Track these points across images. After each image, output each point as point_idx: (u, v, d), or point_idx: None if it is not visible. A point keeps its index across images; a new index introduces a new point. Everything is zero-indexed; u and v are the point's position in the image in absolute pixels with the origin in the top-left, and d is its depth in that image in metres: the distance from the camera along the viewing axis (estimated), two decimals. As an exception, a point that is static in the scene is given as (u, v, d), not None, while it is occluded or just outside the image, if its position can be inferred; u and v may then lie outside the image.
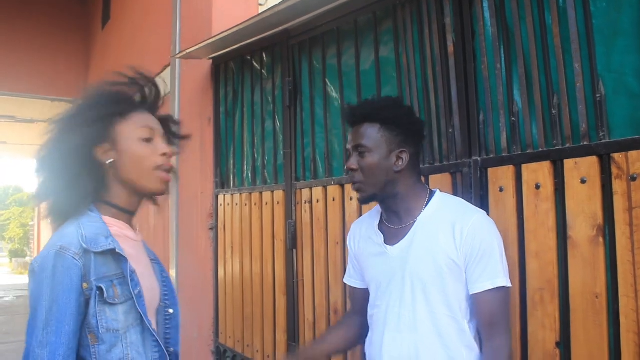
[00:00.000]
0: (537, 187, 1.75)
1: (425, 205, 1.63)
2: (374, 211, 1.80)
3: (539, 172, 1.75)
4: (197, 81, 4.24)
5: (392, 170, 1.60)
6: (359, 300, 1.83)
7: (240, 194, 3.57)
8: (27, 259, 20.18)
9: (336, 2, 2.61)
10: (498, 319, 1.52)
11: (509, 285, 1.54)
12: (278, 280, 3.17)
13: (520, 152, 1.84)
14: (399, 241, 1.64)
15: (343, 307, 2.66)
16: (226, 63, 3.82)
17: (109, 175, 1.42)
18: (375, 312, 1.70)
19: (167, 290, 1.55)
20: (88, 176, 1.38)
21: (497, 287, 1.51)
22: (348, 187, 2.64)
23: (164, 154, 1.43)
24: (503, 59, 1.92)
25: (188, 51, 3.73)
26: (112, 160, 1.40)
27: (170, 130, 1.55)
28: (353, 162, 1.63)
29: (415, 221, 1.62)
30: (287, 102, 3.10)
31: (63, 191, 1.37)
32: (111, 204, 1.43)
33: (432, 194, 1.66)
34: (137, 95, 1.49)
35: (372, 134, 1.60)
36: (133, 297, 1.36)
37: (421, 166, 1.85)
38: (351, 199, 2.61)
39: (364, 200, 1.67)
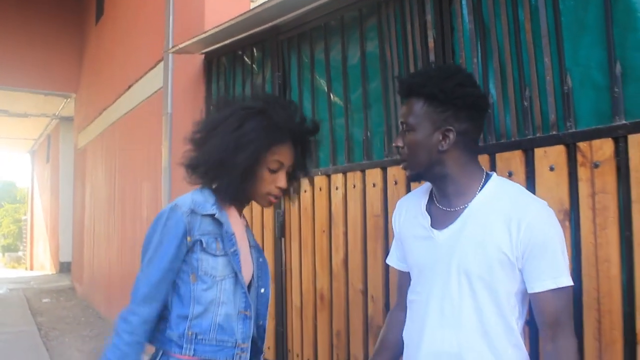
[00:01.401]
0: (510, 174, 1.85)
1: (480, 190, 1.46)
2: (422, 189, 1.64)
3: (511, 161, 1.86)
4: (189, 76, 4.32)
5: (437, 150, 1.45)
6: (405, 287, 1.67)
7: (231, 185, 3.65)
8: (20, 253, 20.15)
9: (323, 0, 2.71)
10: (563, 318, 1.37)
11: (572, 283, 1.37)
12: (267, 268, 3.26)
13: (494, 142, 1.94)
14: (447, 226, 1.48)
15: (329, 293, 2.76)
16: (218, 58, 3.91)
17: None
18: (415, 299, 1.57)
19: (261, 274, 1.80)
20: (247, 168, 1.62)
21: (560, 287, 1.35)
22: (334, 177, 2.74)
23: (279, 187, 1.67)
24: (479, 53, 2.03)
25: (181, 46, 3.81)
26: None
27: (301, 165, 1.77)
28: (399, 139, 1.51)
29: (466, 206, 1.46)
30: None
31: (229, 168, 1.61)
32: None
33: (488, 177, 1.49)
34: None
35: (417, 110, 1.46)
36: (229, 254, 1.64)
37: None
38: (337, 188, 2.71)
39: (411, 178, 1.57)
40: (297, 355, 3.02)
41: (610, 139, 1.58)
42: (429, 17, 2.21)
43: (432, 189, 1.57)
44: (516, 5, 1.89)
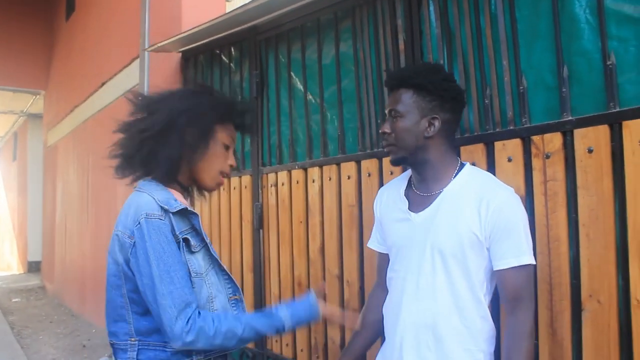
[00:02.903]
0: (473, 165, 2.04)
1: (454, 176, 1.63)
2: (402, 177, 1.81)
3: (474, 153, 2.05)
4: (166, 73, 4.42)
5: (423, 136, 1.61)
6: (385, 267, 1.82)
7: (210, 179, 3.78)
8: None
9: (301, 2, 2.87)
10: (522, 294, 1.52)
11: (534, 262, 1.55)
12: (246, 258, 3.42)
13: (459, 136, 2.14)
14: (423, 209, 1.64)
15: (306, 280, 2.93)
16: (195, 56, 4.02)
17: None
18: (393, 276, 1.72)
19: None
20: (183, 149, 1.60)
21: (521, 265, 1.52)
22: (311, 171, 2.91)
23: (231, 165, 1.71)
24: (445, 55, 2.22)
25: (160, 44, 3.91)
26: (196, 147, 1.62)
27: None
28: (386, 126, 1.65)
29: (441, 191, 1.62)
30: (254, 94, 3.34)
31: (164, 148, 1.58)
32: (177, 180, 1.67)
33: (462, 166, 1.66)
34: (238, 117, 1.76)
35: (406, 99, 1.61)
36: (206, 245, 1.61)
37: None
38: (313, 181, 2.88)
39: (394, 162, 1.70)
40: (276, 341, 3.18)
41: (559, 132, 1.79)
42: (399, 22, 2.40)
43: (410, 176, 1.74)
44: (478, 13, 2.09)
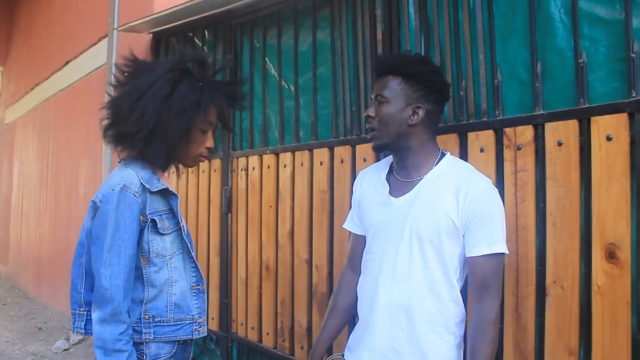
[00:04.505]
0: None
1: (435, 165, 1.67)
2: (383, 162, 1.85)
3: (447, 143, 2.11)
4: (136, 54, 4.34)
5: (406, 124, 1.64)
6: (358, 250, 1.85)
7: (178, 162, 3.76)
8: None
9: (279, -12, 2.88)
10: (490, 282, 1.57)
11: (506, 252, 1.60)
12: (213, 242, 3.43)
13: (433, 127, 2.19)
14: (403, 194, 1.67)
15: (274, 264, 2.96)
16: (167, 38, 3.98)
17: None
18: (370, 258, 1.75)
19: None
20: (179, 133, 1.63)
21: (493, 253, 1.57)
22: (282, 156, 2.93)
23: (208, 148, 1.72)
24: (423, 47, 2.27)
25: (131, 24, 3.85)
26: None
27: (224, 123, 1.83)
28: (371, 110, 1.69)
29: (422, 178, 1.66)
30: (227, 78, 3.33)
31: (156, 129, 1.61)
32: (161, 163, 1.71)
33: (442, 155, 1.71)
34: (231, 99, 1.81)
35: (393, 86, 1.65)
36: (180, 228, 1.65)
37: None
38: (285, 166, 2.91)
39: (377, 148, 1.74)
40: (242, 324, 3.20)
41: (530, 125, 1.86)
42: (378, 12, 2.44)
43: (391, 162, 1.78)
44: (457, 7, 2.14)
